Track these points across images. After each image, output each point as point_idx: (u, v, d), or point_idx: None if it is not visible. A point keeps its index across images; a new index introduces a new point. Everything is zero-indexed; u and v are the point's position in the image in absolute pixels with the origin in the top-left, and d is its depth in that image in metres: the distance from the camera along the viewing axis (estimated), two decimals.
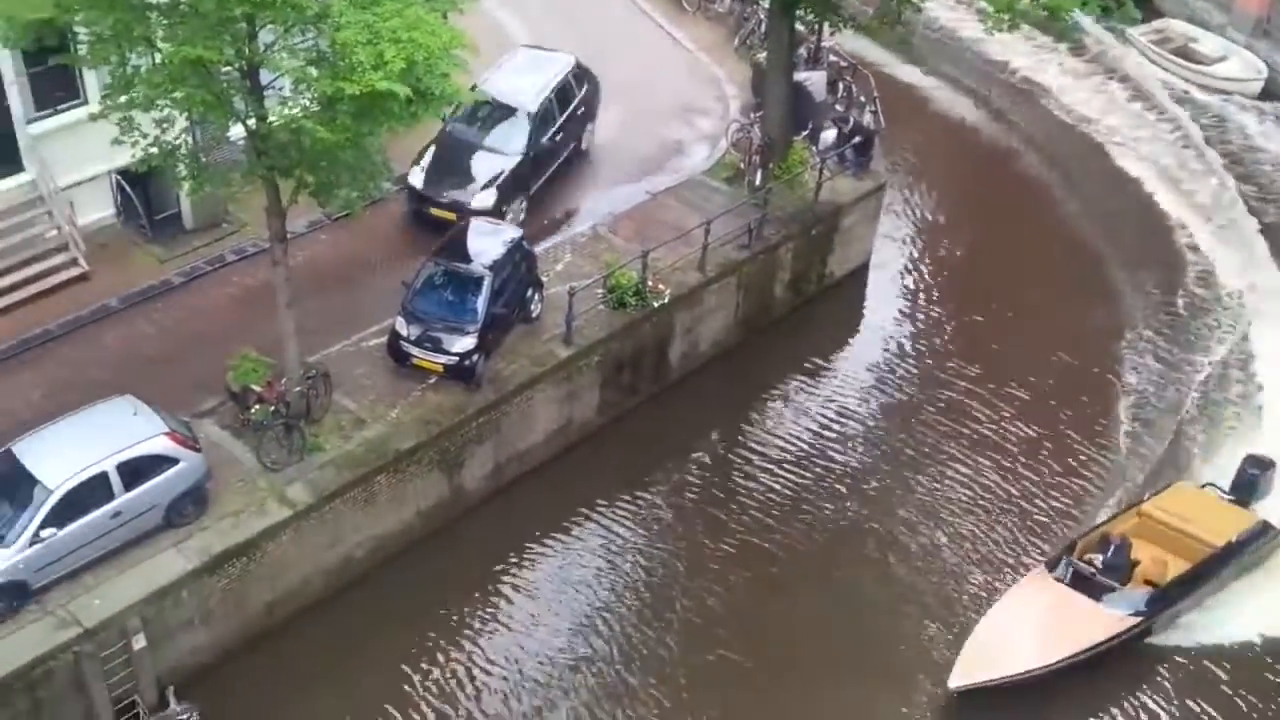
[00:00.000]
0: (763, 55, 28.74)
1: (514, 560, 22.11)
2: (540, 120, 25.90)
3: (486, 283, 21.83)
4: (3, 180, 22.43)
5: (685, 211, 26.13)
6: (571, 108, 26.86)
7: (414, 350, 21.69)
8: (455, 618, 21.17)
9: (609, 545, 22.63)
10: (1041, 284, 28.79)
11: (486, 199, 24.81)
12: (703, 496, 23.72)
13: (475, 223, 23.36)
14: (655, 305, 24.09)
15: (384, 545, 21.42)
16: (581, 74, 27.41)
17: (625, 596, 21.80)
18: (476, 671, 20.36)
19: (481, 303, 21.72)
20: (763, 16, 30.00)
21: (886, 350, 27.41)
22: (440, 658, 20.50)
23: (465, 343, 21.54)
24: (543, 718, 19.89)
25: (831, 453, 24.74)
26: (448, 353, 21.56)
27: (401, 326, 21.76)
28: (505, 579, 21.85)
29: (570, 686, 20.30)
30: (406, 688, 19.95)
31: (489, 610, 21.37)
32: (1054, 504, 23.75)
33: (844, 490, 23.95)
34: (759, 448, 24.79)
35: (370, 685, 19.84)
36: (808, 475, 24.22)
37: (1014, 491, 23.95)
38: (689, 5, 32.75)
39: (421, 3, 16.99)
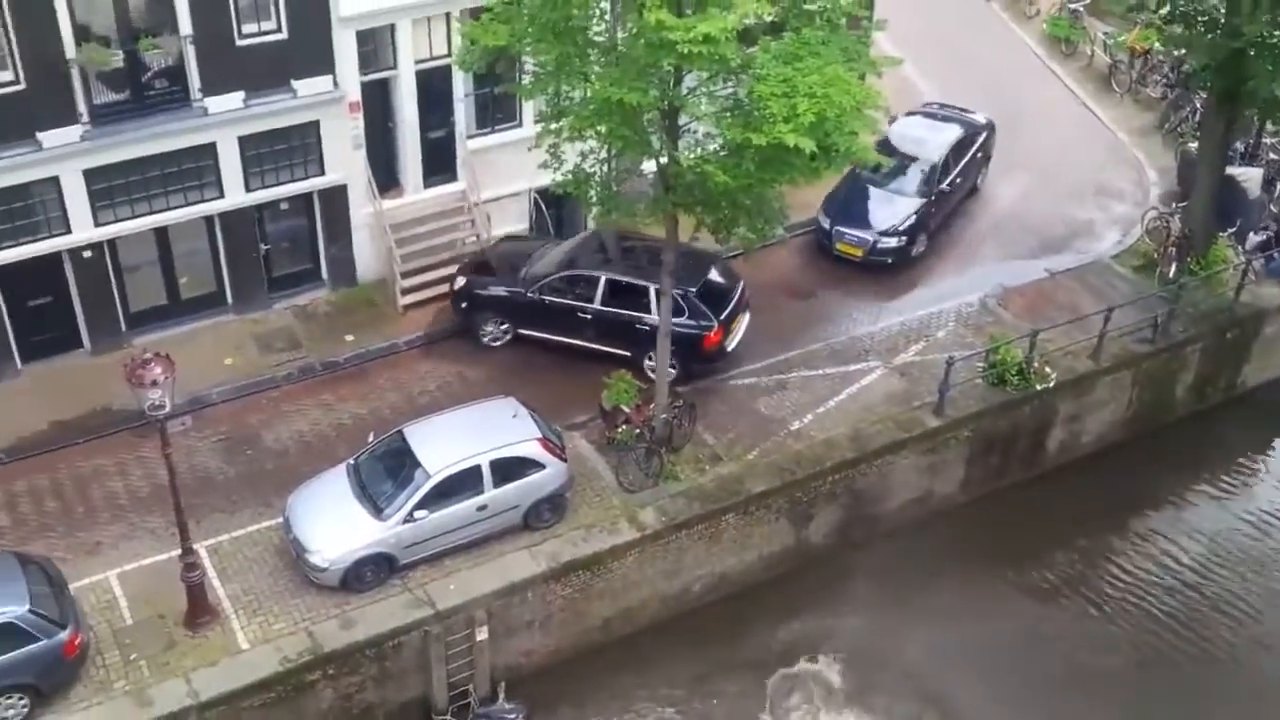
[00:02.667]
0: (1193, 145, 26.34)
1: (849, 620, 21.05)
2: (940, 169, 25.66)
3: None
4: (441, 186, 23.96)
5: (1084, 295, 24.38)
6: (970, 156, 26.53)
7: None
8: (782, 667, 20.33)
9: (949, 630, 21.00)
10: None
11: (891, 240, 24.82)
12: (1068, 602, 21.69)
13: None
14: (1038, 388, 22.40)
15: (722, 583, 21.02)
16: (978, 128, 27.18)
17: (961, 689, 20.18)
18: None
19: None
20: (1198, 105, 27.39)
21: None
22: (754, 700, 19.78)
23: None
24: None
25: (1222, 584, 21.95)
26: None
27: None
28: (831, 639, 20.82)
29: None
30: None
31: (813, 668, 20.44)
32: None
33: (1228, 632, 21.21)
34: (1137, 560, 22.49)
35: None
36: (1191, 601, 21.68)
37: None
38: (1119, 86, 30.56)
39: (842, 62, 16.65)
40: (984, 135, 27.01)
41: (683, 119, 18.01)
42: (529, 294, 22.26)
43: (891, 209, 25.09)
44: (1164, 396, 24.51)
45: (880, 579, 21.54)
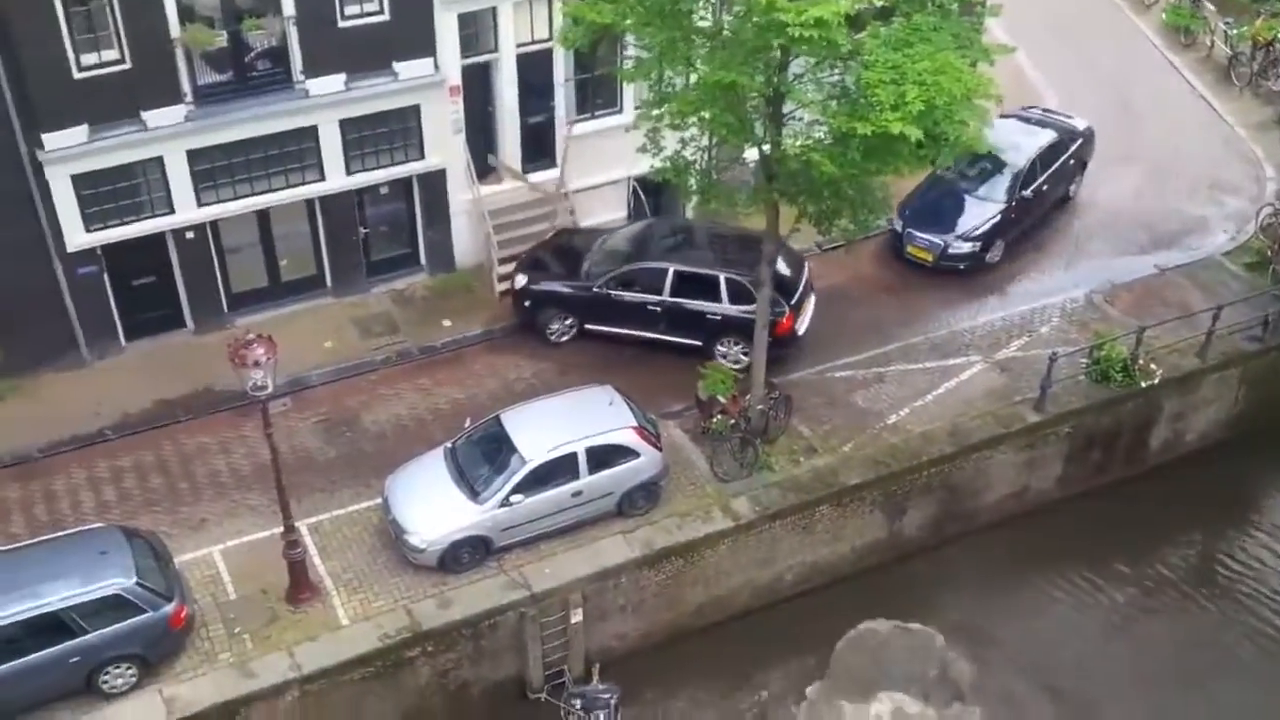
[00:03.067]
0: None
1: (943, 613, 20.46)
2: (1025, 176, 24.64)
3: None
4: (540, 172, 23.83)
5: (1194, 292, 23.69)
6: (1060, 163, 25.39)
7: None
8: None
9: (1047, 627, 20.57)
10: None
11: (965, 246, 23.93)
12: (1170, 602, 21.11)
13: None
14: (1143, 385, 21.80)
15: (814, 574, 20.77)
16: (1072, 132, 26.01)
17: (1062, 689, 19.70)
18: None
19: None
20: None
21: None
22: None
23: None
24: None
25: None
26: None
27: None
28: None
29: None
30: None
31: None
32: None
33: None
34: (1244, 559, 21.81)
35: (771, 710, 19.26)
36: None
37: None
38: (1238, 79, 29.49)
39: (954, 50, 16.11)
40: (1079, 142, 25.84)
41: (787, 107, 17.64)
42: (595, 289, 22.02)
43: (968, 214, 24.16)
44: (1273, 396, 23.63)
45: (976, 571, 21.14)
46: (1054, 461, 21.95)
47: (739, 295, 21.43)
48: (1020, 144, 24.82)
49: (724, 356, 21.71)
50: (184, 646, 17.19)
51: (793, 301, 21.70)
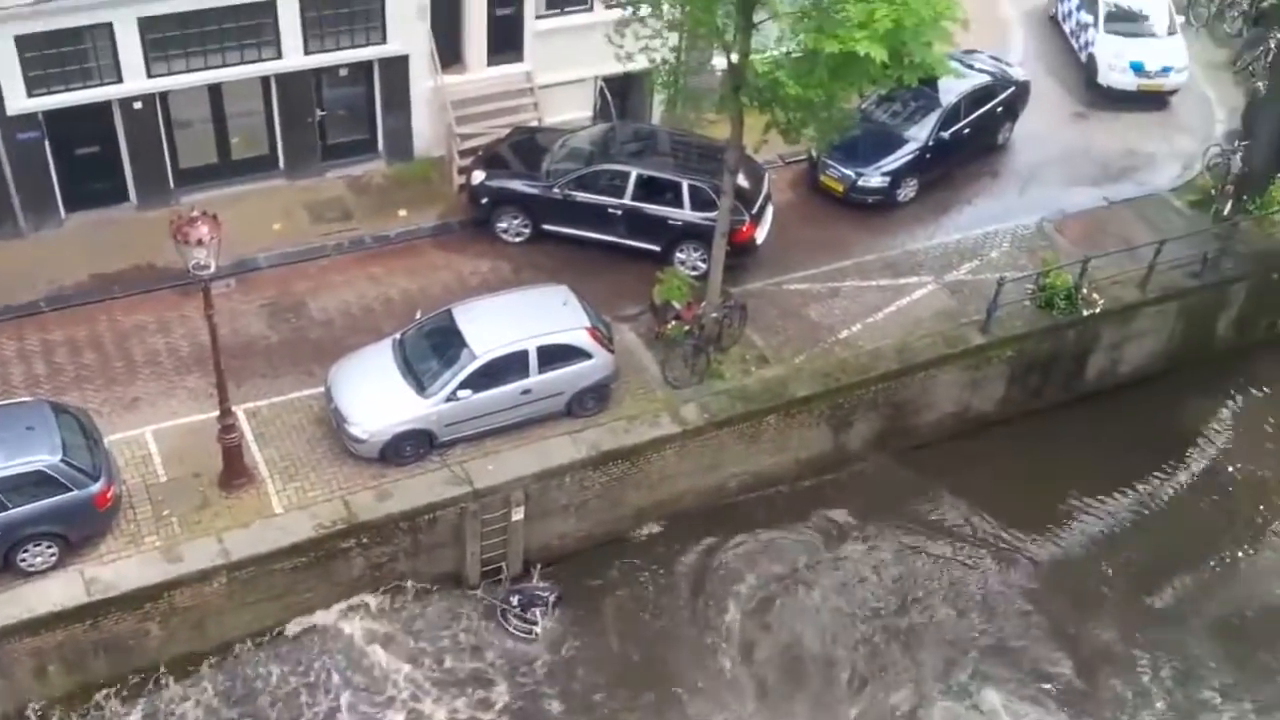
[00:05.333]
0: (1263, 84, 23.71)
1: (874, 527, 19.28)
2: (947, 118, 22.46)
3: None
4: (507, 65, 21.62)
5: (1139, 226, 22.17)
6: (986, 109, 23.11)
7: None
8: (806, 565, 18.64)
9: (963, 540, 19.32)
10: None
11: (874, 180, 21.86)
12: (1085, 529, 19.89)
13: None
14: (1085, 314, 20.42)
15: (757, 482, 19.31)
16: (1006, 81, 23.73)
17: (948, 596, 18.58)
18: (802, 627, 17.82)
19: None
20: (1273, 46, 24.71)
21: None
22: (774, 602, 18.11)
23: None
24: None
25: (1236, 521, 20.20)
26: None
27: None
28: (860, 543, 19.07)
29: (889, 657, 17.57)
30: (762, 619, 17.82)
31: (837, 567, 18.75)
32: None
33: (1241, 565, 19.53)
34: (1161, 489, 20.58)
35: (713, 611, 17.83)
36: (1201, 533, 19.99)
37: None
38: (1195, 20, 27.60)
39: None
40: (1010, 90, 23.53)
41: (759, 16, 16.11)
42: (555, 190, 20.04)
43: (883, 149, 22.06)
44: (1206, 332, 22.42)
45: (906, 489, 19.85)
46: (995, 383, 20.57)
47: (700, 202, 19.64)
48: (949, 86, 22.32)
49: (682, 264, 19.94)
50: (109, 528, 15.40)
51: (753, 211, 19.94)
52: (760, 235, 20.27)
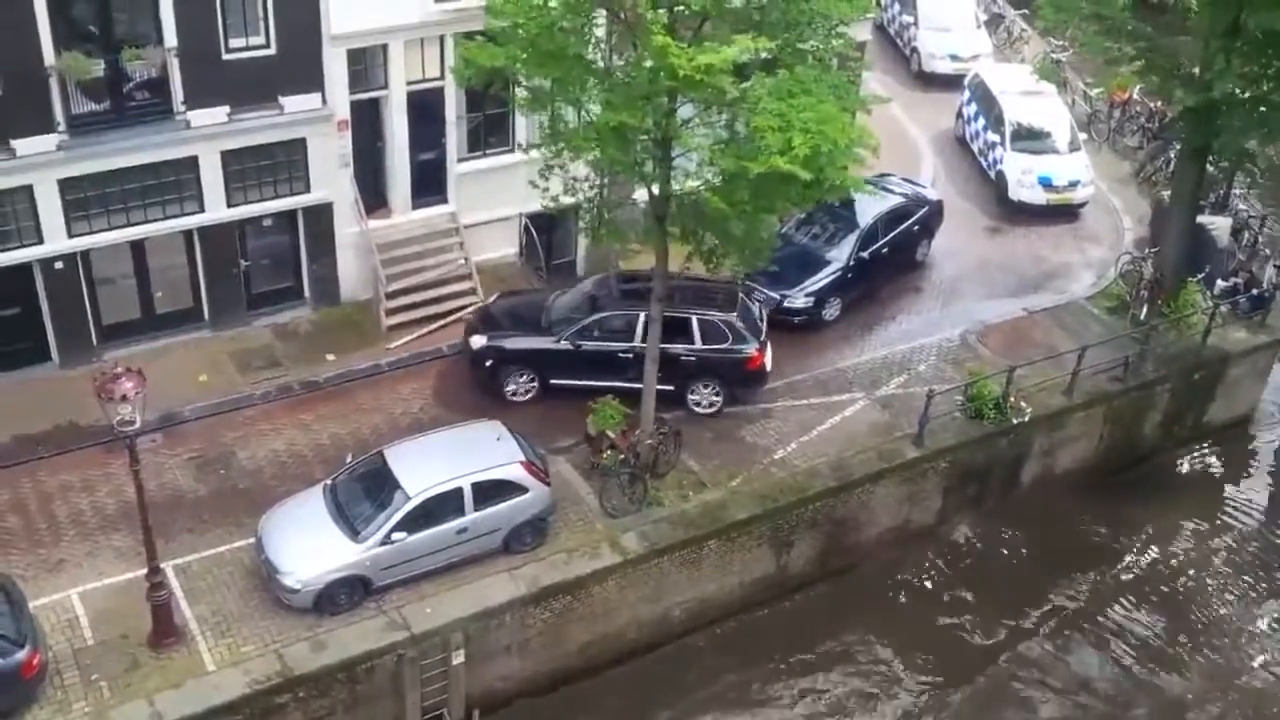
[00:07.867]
0: (1167, 193, 25.22)
1: (822, 650, 19.52)
2: (865, 239, 23.50)
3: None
4: (432, 208, 22.31)
5: (1060, 334, 23.20)
6: (902, 229, 24.24)
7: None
8: (757, 696, 18.75)
9: (931, 655, 19.66)
10: None
11: (799, 300, 22.74)
12: (1039, 630, 20.37)
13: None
14: (1015, 421, 21.13)
15: (704, 610, 19.42)
16: (920, 201, 24.96)
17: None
18: None
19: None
20: (1173, 155, 26.38)
21: (1259, 519, 23.05)
22: None
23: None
24: None
25: (1180, 618, 20.81)
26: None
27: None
28: (809, 673, 19.25)
29: None
30: None
31: (796, 694, 18.89)
32: None
33: (1182, 662, 20.10)
34: (1107, 588, 21.22)
35: None
36: (1153, 629, 20.56)
37: None
38: (1097, 136, 29.38)
39: (833, 101, 15.90)
40: (925, 210, 24.78)
41: (676, 151, 16.92)
42: (560, 343, 20.33)
43: (806, 271, 22.98)
44: (1134, 434, 23.30)
45: (855, 609, 20.18)
46: (933, 496, 21.12)
47: (711, 335, 20.20)
48: (865, 208, 23.67)
49: (696, 405, 20.43)
50: (36, 696, 15.09)
51: (761, 337, 20.57)
52: (768, 362, 20.69)
